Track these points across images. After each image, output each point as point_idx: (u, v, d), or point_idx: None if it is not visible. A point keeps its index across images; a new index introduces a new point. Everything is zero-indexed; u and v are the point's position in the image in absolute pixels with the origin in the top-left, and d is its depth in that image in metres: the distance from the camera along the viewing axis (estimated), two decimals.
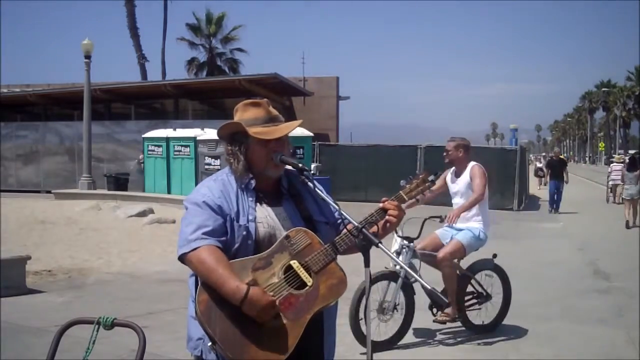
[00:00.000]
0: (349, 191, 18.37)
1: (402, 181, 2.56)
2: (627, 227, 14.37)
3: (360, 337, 5.16)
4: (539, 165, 31.47)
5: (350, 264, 2.59)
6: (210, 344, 2.26)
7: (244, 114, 2.47)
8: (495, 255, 5.96)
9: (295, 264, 2.31)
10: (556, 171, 18.03)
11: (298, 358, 2.27)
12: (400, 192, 2.52)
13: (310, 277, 2.30)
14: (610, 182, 20.47)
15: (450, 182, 6.01)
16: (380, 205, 2.46)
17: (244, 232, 2.36)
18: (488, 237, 5.90)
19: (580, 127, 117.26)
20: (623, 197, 15.93)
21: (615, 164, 20.28)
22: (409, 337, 5.81)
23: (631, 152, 42.41)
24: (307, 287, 2.29)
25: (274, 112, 2.48)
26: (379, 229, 2.46)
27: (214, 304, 2.24)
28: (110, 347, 4.94)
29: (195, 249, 2.28)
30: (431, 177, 2.54)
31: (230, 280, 2.20)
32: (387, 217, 2.45)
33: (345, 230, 2.42)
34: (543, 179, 28.70)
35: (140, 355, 2.34)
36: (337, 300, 2.39)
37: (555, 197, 17.82)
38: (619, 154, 29.38)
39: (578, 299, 7.47)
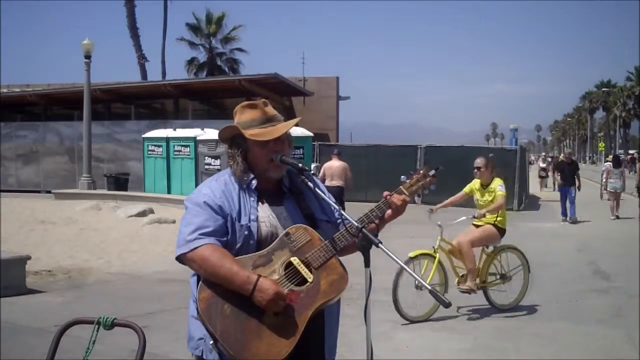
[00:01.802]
0: (349, 191, 18.34)
1: (402, 176, 2.57)
2: (617, 217, 16.30)
3: None
4: (542, 165, 30.93)
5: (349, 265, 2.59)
6: (212, 342, 2.26)
7: (241, 116, 2.48)
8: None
9: (295, 260, 2.32)
10: (568, 175, 16.05)
11: (299, 356, 2.27)
12: (401, 187, 2.53)
13: (311, 273, 2.31)
14: (603, 180, 20.58)
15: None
16: (383, 200, 2.46)
17: (246, 232, 2.36)
18: None
19: (580, 127, 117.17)
20: (608, 189, 17.08)
21: (608, 163, 20.51)
22: (409, 338, 5.81)
23: (631, 152, 42.39)
24: (308, 284, 2.30)
25: (271, 112, 2.48)
26: (377, 226, 2.47)
27: (214, 302, 2.24)
28: (110, 347, 4.95)
29: (195, 248, 2.28)
30: (432, 172, 2.54)
31: (241, 272, 2.23)
32: (391, 199, 2.45)
33: (344, 228, 2.42)
34: (545, 179, 28.47)
35: (140, 355, 2.34)
36: (338, 296, 2.39)
37: (568, 203, 15.80)
38: (611, 155, 29.32)
39: (578, 299, 7.46)
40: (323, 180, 13.09)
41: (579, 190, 16.05)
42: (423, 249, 6.57)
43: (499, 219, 6.81)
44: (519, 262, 6.99)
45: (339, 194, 12.66)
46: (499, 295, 6.89)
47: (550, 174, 28.90)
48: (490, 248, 6.90)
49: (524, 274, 6.94)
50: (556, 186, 16.78)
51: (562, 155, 25.61)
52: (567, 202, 15.73)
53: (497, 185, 6.84)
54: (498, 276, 6.89)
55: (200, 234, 2.31)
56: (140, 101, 30.18)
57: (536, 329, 6.17)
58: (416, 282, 6.03)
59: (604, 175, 17.98)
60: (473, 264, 6.69)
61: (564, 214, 15.96)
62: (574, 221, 15.54)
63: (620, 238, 12.66)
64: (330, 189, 13.39)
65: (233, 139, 2.47)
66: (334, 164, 12.87)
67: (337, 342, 2.55)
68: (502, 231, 6.88)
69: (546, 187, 28.02)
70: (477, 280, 6.77)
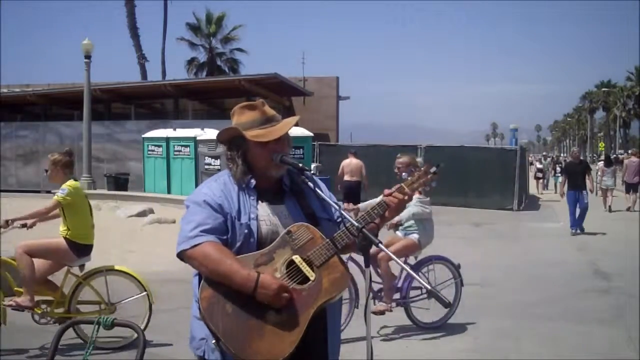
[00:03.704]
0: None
1: (404, 174, 2.58)
2: (609, 211, 17.57)
3: None
4: (539, 166, 30.55)
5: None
6: (214, 341, 2.26)
7: (240, 117, 2.48)
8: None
9: (297, 258, 2.32)
10: (577, 178, 13.32)
11: (301, 355, 2.27)
12: (402, 184, 2.53)
13: (313, 271, 2.31)
14: (597, 179, 20.70)
15: None
16: (383, 197, 2.47)
17: (246, 231, 2.36)
18: None
19: (580, 127, 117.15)
20: (601, 187, 18.16)
21: (601, 162, 20.91)
22: (409, 338, 5.81)
23: (630, 151, 42.43)
24: (310, 282, 2.30)
25: (270, 112, 2.48)
26: (378, 225, 2.47)
27: (216, 300, 2.25)
28: (110, 347, 4.95)
29: (196, 245, 2.29)
30: (433, 169, 2.54)
31: (241, 270, 2.23)
32: (387, 199, 2.44)
33: (344, 227, 2.41)
34: (541, 181, 28.06)
35: (140, 355, 2.34)
36: (340, 294, 2.39)
37: (579, 211, 13.22)
38: (604, 155, 29.43)
39: (578, 299, 7.46)
40: (342, 176, 14.07)
41: (592, 192, 14.12)
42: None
43: (69, 231, 5.19)
44: (137, 291, 5.48)
45: (357, 189, 13.98)
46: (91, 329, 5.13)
47: (551, 175, 28.72)
48: (76, 270, 5.36)
49: (144, 304, 5.43)
50: (563, 188, 13.75)
51: (563, 155, 25.53)
52: (578, 209, 13.21)
53: (61, 188, 5.34)
54: (102, 305, 5.31)
55: (201, 231, 2.31)
56: (140, 101, 30.20)
57: (536, 329, 6.16)
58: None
59: (598, 174, 18.33)
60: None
61: (574, 224, 13.28)
62: (579, 232, 13.24)
63: (620, 238, 12.66)
64: (350, 183, 13.93)
65: (232, 140, 2.47)
66: (352, 162, 14.25)
67: (340, 341, 2.55)
68: (77, 247, 5.22)
69: (546, 189, 27.35)
70: (63, 309, 5.09)
